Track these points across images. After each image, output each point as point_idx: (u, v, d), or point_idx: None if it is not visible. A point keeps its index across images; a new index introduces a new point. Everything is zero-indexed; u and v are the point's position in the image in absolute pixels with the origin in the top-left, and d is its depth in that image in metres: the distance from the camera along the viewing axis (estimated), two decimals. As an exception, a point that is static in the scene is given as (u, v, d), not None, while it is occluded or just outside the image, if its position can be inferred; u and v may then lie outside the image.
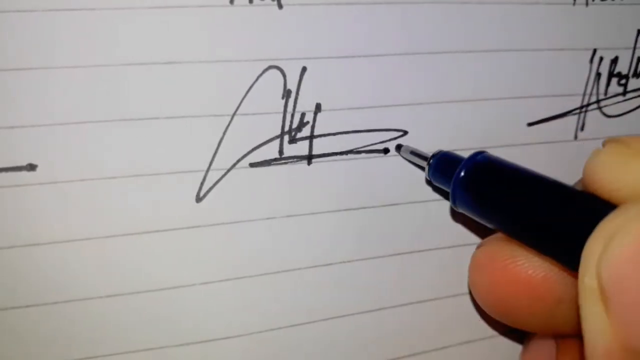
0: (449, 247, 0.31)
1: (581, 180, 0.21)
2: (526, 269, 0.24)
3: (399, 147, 0.28)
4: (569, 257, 0.20)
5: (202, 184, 0.27)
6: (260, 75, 0.27)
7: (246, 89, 0.27)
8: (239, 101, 0.27)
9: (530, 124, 0.32)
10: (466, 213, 0.26)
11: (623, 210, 0.17)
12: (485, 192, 0.24)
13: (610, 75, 0.33)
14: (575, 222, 0.20)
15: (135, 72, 0.25)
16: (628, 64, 0.33)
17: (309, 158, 0.28)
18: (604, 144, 0.20)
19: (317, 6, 0.27)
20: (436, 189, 0.30)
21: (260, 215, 0.28)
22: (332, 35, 0.28)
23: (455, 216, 0.30)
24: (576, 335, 0.25)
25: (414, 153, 0.28)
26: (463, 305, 0.31)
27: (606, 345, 0.16)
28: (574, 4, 0.31)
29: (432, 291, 0.31)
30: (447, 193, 0.26)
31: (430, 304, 0.31)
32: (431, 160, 0.27)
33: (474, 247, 0.27)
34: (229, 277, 0.28)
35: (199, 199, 0.27)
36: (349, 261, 0.29)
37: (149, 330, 0.27)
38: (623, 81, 0.33)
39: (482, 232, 0.31)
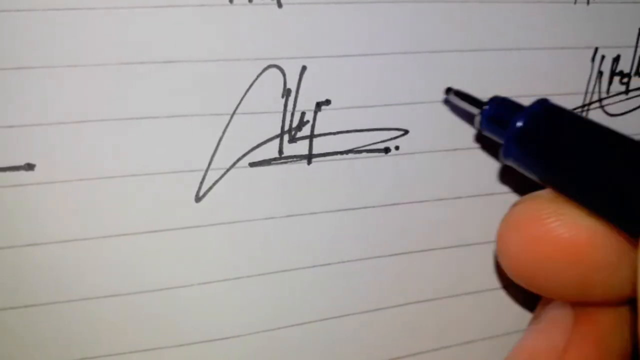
0: (449, 247, 0.31)
1: None
2: (569, 229, 0.22)
3: (448, 90, 0.26)
4: (630, 221, 0.18)
5: (201, 183, 0.27)
6: (260, 74, 0.27)
7: (246, 88, 0.27)
8: (238, 100, 0.27)
9: (531, 123, 0.31)
10: (516, 167, 0.24)
11: None
12: (545, 143, 0.22)
13: (612, 73, 0.33)
14: None
15: (134, 71, 0.25)
16: (630, 63, 0.33)
17: (309, 157, 0.28)
18: None
19: (317, 5, 0.27)
20: (482, 139, 0.28)
21: (260, 215, 0.27)
22: (331, 34, 0.28)
23: (504, 171, 0.29)
24: (602, 303, 0.24)
25: (467, 97, 0.26)
26: (463, 305, 0.31)
27: None
28: (575, 2, 0.31)
29: (432, 291, 0.31)
30: (494, 144, 0.24)
31: (430, 304, 0.31)
32: (485, 107, 0.25)
33: (474, 247, 0.27)
34: (228, 277, 0.27)
35: (198, 198, 0.27)
36: (348, 261, 0.29)
37: (148, 331, 0.27)
38: (625, 80, 0.33)
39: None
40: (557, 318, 0.27)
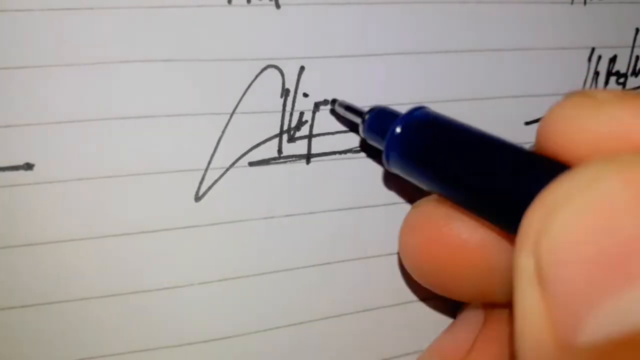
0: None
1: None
2: (461, 232, 0.23)
3: (333, 102, 0.27)
4: (508, 221, 0.18)
5: (200, 183, 0.27)
6: (259, 74, 0.27)
7: (245, 88, 0.27)
8: (237, 100, 0.27)
9: (527, 123, 0.32)
10: (400, 174, 0.24)
11: (571, 175, 0.14)
12: (422, 149, 0.22)
13: (609, 74, 0.33)
14: (519, 185, 0.17)
15: (133, 70, 0.25)
16: (627, 63, 0.33)
17: (308, 157, 0.28)
18: (563, 97, 0.17)
19: (315, 6, 0.27)
20: (368, 150, 0.28)
21: (259, 215, 0.27)
22: (330, 35, 0.28)
23: (388, 179, 0.28)
24: (507, 305, 0.24)
25: (350, 108, 0.26)
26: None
27: (538, 337, 0.14)
28: (572, 2, 0.31)
29: (430, 291, 0.31)
30: (379, 153, 0.24)
31: (427, 303, 0.31)
32: (366, 116, 0.25)
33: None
34: (227, 276, 0.27)
35: (197, 198, 0.27)
36: (347, 260, 0.29)
37: (148, 331, 0.27)
38: (622, 80, 0.33)
39: (416, 197, 0.29)
40: (468, 319, 0.27)
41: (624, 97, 0.15)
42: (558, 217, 0.13)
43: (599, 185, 0.13)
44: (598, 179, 0.13)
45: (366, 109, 0.26)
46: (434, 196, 0.25)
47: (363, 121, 0.25)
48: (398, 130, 0.23)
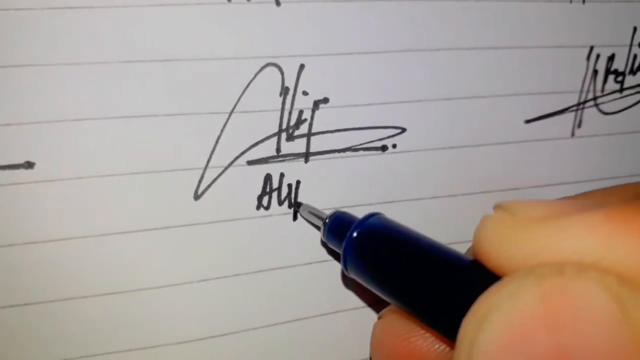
0: (451, 243, 0.31)
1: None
2: (420, 346, 0.22)
3: (298, 205, 0.27)
4: (454, 334, 0.18)
5: (200, 181, 0.27)
6: (258, 72, 0.27)
7: (244, 87, 0.27)
8: (236, 99, 0.27)
9: (527, 121, 0.32)
10: (357, 279, 0.23)
11: (499, 286, 0.15)
12: (374, 257, 0.22)
13: (607, 72, 0.33)
14: (458, 296, 0.18)
15: (133, 69, 0.25)
16: (625, 61, 0.33)
17: (307, 156, 0.28)
18: (494, 208, 0.18)
19: (315, 3, 0.27)
20: (332, 253, 0.28)
21: (258, 213, 0.28)
22: (329, 32, 0.28)
23: (347, 282, 0.29)
24: None
25: (312, 213, 0.27)
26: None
27: None
28: (570, 1, 0.31)
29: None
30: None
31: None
32: (327, 220, 0.26)
33: (467, 245, 0.27)
34: (226, 274, 0.28)
35: (197, 196, 0.27)
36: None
37: (148, 329, 0.27)
38: (620, 78, 0.33)
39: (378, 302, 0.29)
40: None
41: (541, 217, 0.16)
42: (487, 326, 0.14)
43: (517, 300, 0.14)
44: (517, 293, 0.14)
45: (325, 214, 0.26)
46: (393, 306, 0.24)
47: (324, 224, 0.26)
48: (354, 235, 0.23)
